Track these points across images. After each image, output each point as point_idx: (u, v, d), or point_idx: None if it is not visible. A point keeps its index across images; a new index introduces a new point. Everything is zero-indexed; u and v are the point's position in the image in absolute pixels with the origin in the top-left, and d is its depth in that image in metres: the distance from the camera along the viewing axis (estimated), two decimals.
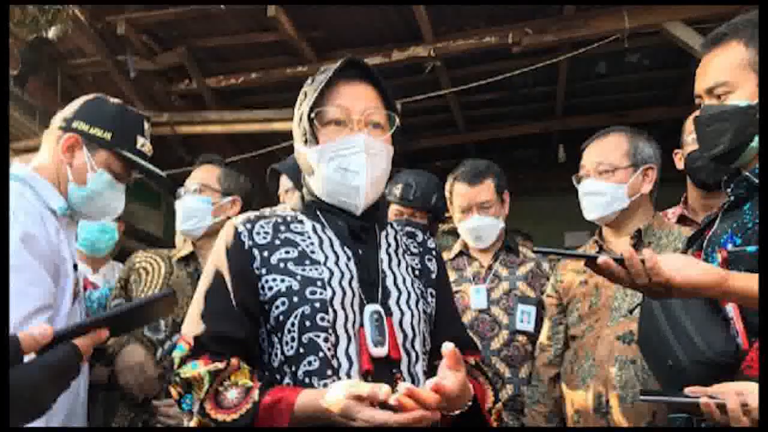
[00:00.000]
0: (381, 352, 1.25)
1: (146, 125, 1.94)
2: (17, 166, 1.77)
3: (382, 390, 1.05)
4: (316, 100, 1.33)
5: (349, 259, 1.32)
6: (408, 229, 1.50)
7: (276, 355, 1.27)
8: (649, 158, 2.10)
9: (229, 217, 2.11)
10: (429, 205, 2.57)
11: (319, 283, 1.26)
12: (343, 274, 1.29)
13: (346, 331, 1.26)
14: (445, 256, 2.52)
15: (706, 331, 1.40)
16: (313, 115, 1.33)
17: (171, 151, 4.85)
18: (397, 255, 1.40)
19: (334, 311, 1.25)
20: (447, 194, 2.54)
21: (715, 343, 1.38)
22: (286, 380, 1.24)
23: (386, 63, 4.19)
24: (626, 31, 3.77)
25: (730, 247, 1.44)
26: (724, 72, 1.44)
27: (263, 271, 1.29)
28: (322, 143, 1.33)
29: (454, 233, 2.69)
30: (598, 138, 2.17)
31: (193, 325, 1.27)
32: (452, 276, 2.43)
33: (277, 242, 1.32)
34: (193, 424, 1.22)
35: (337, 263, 1.30)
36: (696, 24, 3.65)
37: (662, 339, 1.49)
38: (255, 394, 1.18)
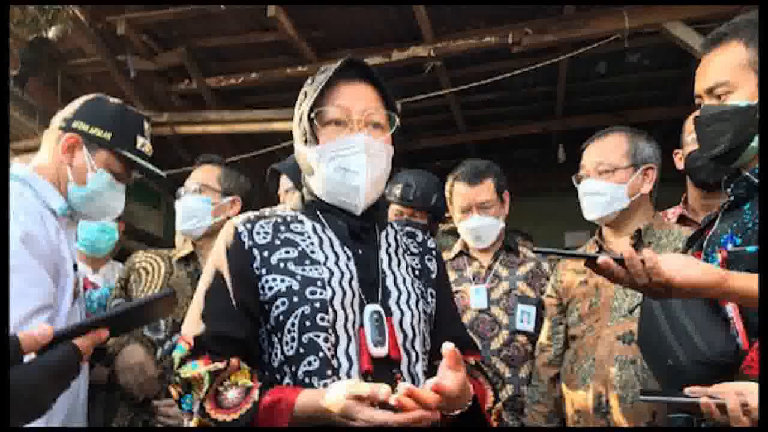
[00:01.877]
0: (381, 352, 1.25)
1: (146, 125, 1.94)
2: (17, 166, 1.77)
3: (382, 390, 1.05)
4: (316, 100, 1.33)
5: (349, 259, 1.32)
6: (408, 229, 1.50)
7: (276, 355, 1.27)
8: (649, 158, 2.10)
9: (229, 217, 2.11)
10: (429, 205, 2.57)
11: (319, 283, 1.26)
12: (343, 274, 1.29)
13: (346, 331, 1.26)
14: (445, 256, 2.52)
15: (706, 331, 1.40)
16: (313, 115, 1.33)
17: (171, 151, 4.85)
18: (397, 255, 1.40)
19: (334, 311, 1.25)
20: (447, 194, 2.54)
21: (715, 343, 1.38)
22: (286, 380, 1.24)
23: (386, 63, 4.19)
24: (626, 31, 3.77)
25: (730, 247, 1.44)
26: (724, 72, 1.44)
27: (263, 271, 1.28)
28: (322, 143, 1.33)
29: (454, 233, 2.69)
30: (598, 138, 2.17)
31: (193, 325, 1.27)
32: (452, 276, 2.43)
33: (277, 242, 1.32)
34: (193, 424, 1.22)
35: (337, 263, 1.30)
36: (696, 24, 3.65)
37: (662, 339, 1.49)
38: (255, 394, 1.18)
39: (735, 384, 1.23)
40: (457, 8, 3.90)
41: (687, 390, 1.24)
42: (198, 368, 1.21)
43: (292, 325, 1.24)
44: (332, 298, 1.25)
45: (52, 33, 3.97)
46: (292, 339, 1.24)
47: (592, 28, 3.89)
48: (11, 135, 4.10)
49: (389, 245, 1.41)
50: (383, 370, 1.24)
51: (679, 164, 2.50)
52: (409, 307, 1.32)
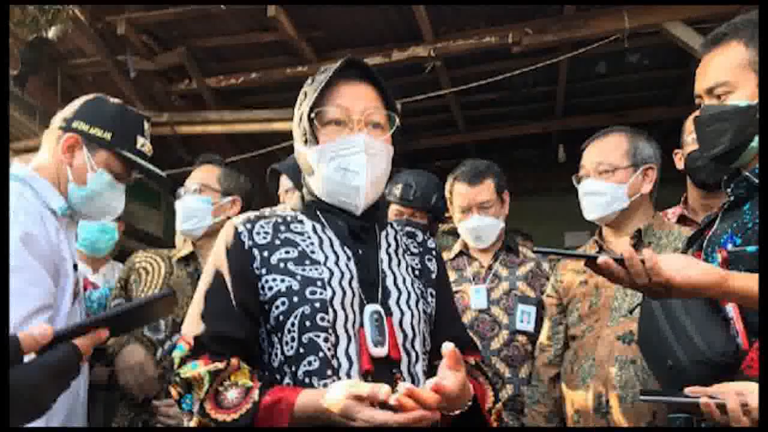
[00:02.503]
0: (381, 352, 1.25)
1: (146, 125, 1.94)
2: (17, 166, 1.77)
3: (382, 390, 1.05)
4: (316, 100, 1.33)
5: (349, 259, 1.32)
6: (408, 229, 1.50)
7: (276, 355, 1.27)
8: (649, 158, 2.10)
9: (229, 217, 2.11)
10: (429, 205, 2.57)
11: (319, 283, 1.27)
12: (343, 274, 1.29)
13: (346, 331, 1.26)
14: (445, 256, 2.52)
15: (706, 331, 1.40)
16: (313, 115, 1.33)
17: (171, 151, 4.85)
18: (397, 255, 1.40)
19: (334, 311, 1.25)
20: (447, 194, 2.54)
21: (715, 343, 1.38)
22: (286, 380, 1.25)
23: (386, 63, 4.19)
24: (626, 31, 3.77)
25: (730, 247, 1.44)
26: (724, 72, 1.44)
27: (263, 271, 1.29)
28: (322, 143, 1.33)
29: (454, 233, 2.69)
30: (598, 138, 2.17)
31: (193, 325, 1.27)
32: (452, 276, 2.43)
33: (277, 242, 1.32)
34: (193, 424, 1.22)
35: (337, 263, 1.30)
36: (696, 24, 3.65)
37: (662, 339, 1.49)
38: (255, 394, 1.18)
39: (735, 384, 1.23)
40: (457, 8, 3.90)
41: (687, 390, 1.24)
42: (198, 368, 1.21)
43: (292, 325, 1.24)
44: (332, 298, 1.25)
45: (52, 33, 3.97)
46: (292, 339, 1.24)
47: (592, 28, 3.89)
48: (11, 135, 4.10)
49: (389, 245, 1.41)
50: (383, 370, 1.24)
51: (679, 164, 2.50)
52: (409, 307, 1.32)
